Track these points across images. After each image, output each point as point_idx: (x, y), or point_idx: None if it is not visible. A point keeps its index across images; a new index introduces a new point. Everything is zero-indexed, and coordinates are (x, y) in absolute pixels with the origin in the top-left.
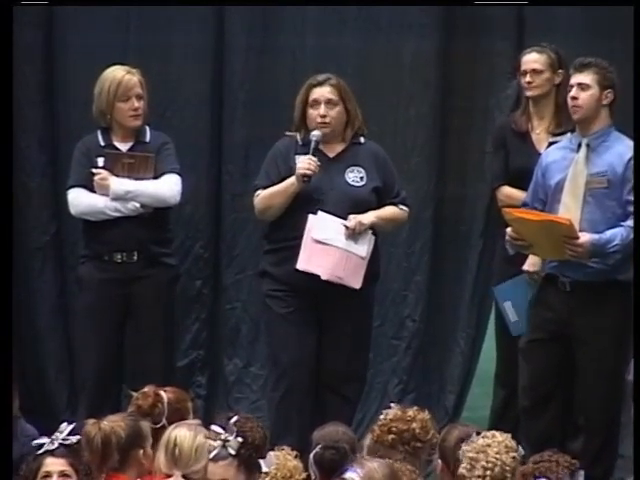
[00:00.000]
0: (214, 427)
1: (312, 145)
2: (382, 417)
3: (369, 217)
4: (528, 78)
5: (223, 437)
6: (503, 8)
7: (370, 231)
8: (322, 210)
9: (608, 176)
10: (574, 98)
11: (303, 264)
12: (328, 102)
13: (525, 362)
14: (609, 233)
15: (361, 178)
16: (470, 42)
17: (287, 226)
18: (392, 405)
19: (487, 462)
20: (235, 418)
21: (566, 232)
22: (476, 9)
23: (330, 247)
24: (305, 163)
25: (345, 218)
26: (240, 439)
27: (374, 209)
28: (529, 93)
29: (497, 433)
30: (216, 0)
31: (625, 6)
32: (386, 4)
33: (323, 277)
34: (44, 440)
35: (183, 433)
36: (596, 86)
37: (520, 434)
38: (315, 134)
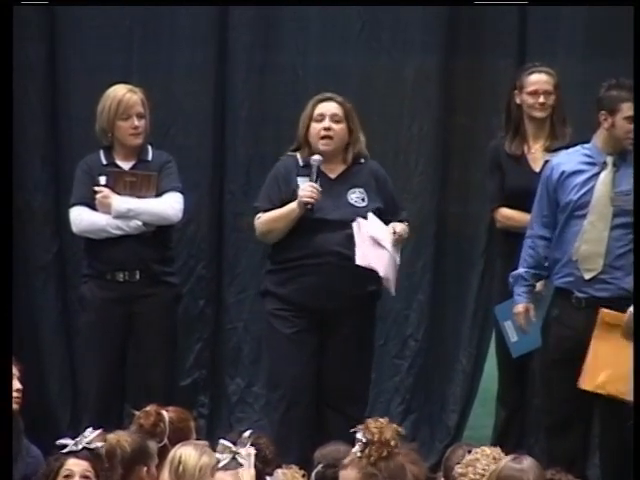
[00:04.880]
0: (223, 441)
1: (314, 170)
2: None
3: (406, 228)
4: (542, 99)
5: (234, 449)
6: (505, 25)
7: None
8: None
9: (633, 195)
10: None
11: (362, 260)
12: (333, 117)
13: (544, 383)
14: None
15: (362, 199)
16: (472, 60)
17: (292, 247)
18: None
19: (475, 474)
20: (249, 432)
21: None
22: (478, 29)
23: (382, 247)
24: (307, 191)
25: (350, 239)
26: (254, 450)
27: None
28: (539, 114)
29: (486, 447)
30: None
31: (625, 6)
32: (386, 4)
33: (381, 273)
34: (68, 441)
35: (188, 452)
36: None
37: (541, 454)
38: (316, 159)
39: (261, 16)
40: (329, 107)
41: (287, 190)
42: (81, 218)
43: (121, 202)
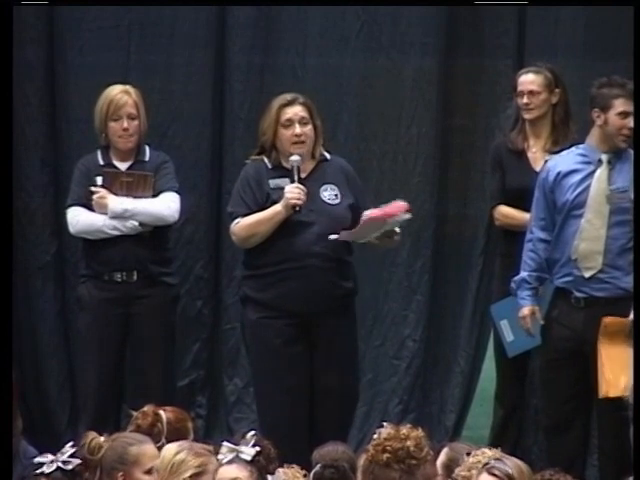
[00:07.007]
0: (227, 444)
1: (295, 172)
2: (376, 436)
3: None
4: (525, 100)
5: (236, 448)
6: (505, 25)
7: None
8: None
9: (629, 193)
10: (629, 128)
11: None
12: (301, 120)
13: (543, 383)
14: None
15: (336, 195)
16: (471, 61)
17: (270, 250)
18: (385, 424)
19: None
20: (253, 432)
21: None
22: (477, 30)
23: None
24: (295, 193)
25: (326, 237)
26: (257, 448)
27: (350, 226)
28: (527, 116)
29: (486, 449)
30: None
31: (625, 6)
32: (386, 4)
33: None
34: (44, 459)
35: (169, 447)
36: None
37: (542, 454)
38: (295, 159)
39: (260, 17)
40: (296, 111)
41: (261, 194)
42: (78, 219)
43: (117, 202)
